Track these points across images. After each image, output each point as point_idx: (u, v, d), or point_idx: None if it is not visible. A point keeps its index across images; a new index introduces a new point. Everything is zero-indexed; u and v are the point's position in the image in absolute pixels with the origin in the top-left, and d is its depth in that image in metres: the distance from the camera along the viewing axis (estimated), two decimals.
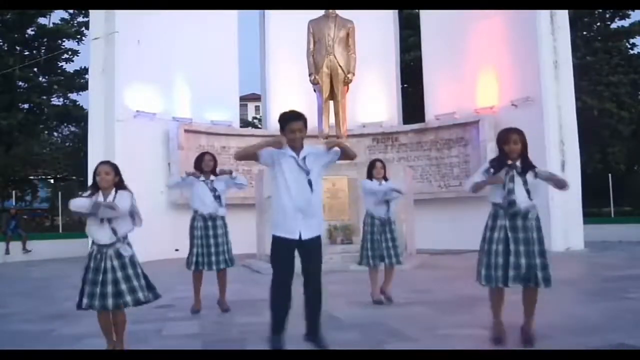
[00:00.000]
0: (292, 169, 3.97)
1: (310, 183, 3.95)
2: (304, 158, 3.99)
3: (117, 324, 4.09)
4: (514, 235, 4.02)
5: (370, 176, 6.32)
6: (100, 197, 4.01)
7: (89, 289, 3.98)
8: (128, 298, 3.96)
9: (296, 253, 4.01)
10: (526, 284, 4.01)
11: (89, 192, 4.07)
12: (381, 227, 6.25)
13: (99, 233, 3.98)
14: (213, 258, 5.90)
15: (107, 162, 4.12)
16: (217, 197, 5.96)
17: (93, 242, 4.04)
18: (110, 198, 3.99)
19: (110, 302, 3.93)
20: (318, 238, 4.05)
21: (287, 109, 4.18)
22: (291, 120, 3.98)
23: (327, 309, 5.71)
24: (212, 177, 6.03)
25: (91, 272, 3.99)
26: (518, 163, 4.15)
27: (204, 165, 6.03)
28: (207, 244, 5.90)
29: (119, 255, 3.99)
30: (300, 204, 3.93)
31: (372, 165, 6.36)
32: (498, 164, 4.19)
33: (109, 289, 3.94)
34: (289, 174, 3.96)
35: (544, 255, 4.03)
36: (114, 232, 3.96)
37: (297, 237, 3.94)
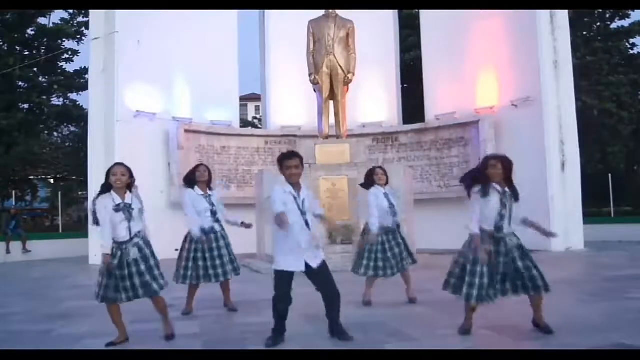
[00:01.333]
0: (294, 210, 4.32)
1: (307, 223, 4.35)
2: (303, 200, 4.37)
3: (159, 310, 4.59)
4: (497, 260, 4.37)
5: (372, 183, 6.23)
6: (116, 198, 4.32)
7: (114, 283, 4.30)
8: (140, 291, 4.36)
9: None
10: (518, 294, 4.42)
11: (99, 192, 4.39)
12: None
13: (117, 231, 4.30)
14: (211, 271, 5.86)
15: (123, 164, 4.47)
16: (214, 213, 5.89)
17: (113, 241, 4.32)
18: (127, 199, 4.34)
19: (140, 292, 4.34)
20: (324, 262, 4.47)
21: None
22: (288, 158, 4.40)
23: None
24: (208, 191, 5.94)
25: (116, 268, 4.30)
26: (507, 189, 4.45)
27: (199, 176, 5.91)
28: (204, 257, 5.87)
29: (139, 249, 4.35)
30: (301, 241, 4.30)
31: (373, 172, 6.29)
32: (484, 188, 4.44)
33: (134, 281, 4.32)
34: (292, 213, 4.28)
35: (529, 268, 4.35)
36: (129, 230, 4.32)
37: (303, 269, 4.35)
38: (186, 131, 14.96)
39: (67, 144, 26.20)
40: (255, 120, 34.67)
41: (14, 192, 22.23)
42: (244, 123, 29.59)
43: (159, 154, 14.70)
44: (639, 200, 20.32)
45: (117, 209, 4.27)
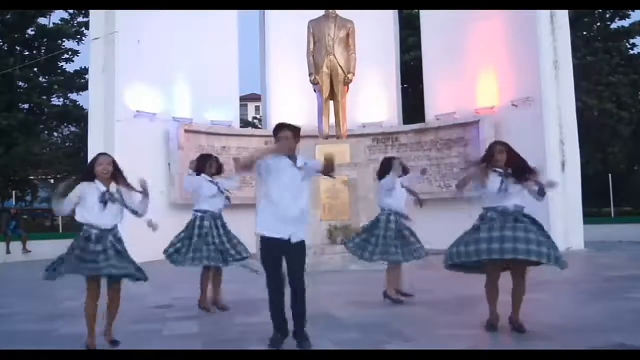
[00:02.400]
0: (286, 177, 4.23)
1: (299, 194, 4.26)
2: (300, 167, 4.27)
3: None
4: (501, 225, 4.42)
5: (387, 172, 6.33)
6: (100, 186, 4.32)
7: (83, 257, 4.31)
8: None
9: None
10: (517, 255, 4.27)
11: (73, 179, 4.48)
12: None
13: (102, 218, 4.30)
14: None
15: (108, 155, 4.51)
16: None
17: (92, 227, 4.29)
18: (111, 188, 4.34)
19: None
20: (302, 242, 4.30)
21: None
22: (277, 130, 4.30)
23: (327, 309, 5.74)
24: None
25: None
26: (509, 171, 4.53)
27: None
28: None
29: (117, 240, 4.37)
30: (289, 211, 4.22)
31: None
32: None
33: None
34: (283, 180, 4.23)
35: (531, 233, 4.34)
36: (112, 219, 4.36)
37: (286, 237, 4.20)
38: (186, 131, 14.96)
39: (67, 144, 26.19)
40: (255, 120, 34.64)
41: (14, 192, 22.23)
42: (244, 123, 29.56)
43: (159, 154, 14.68)
44: (639, 200, 20.33)
45: (102, 198, 4.26)
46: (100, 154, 4.47)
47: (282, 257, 4.21)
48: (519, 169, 4.41)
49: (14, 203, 22.20)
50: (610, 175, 17.44)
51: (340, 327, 5.05)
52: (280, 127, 4.32)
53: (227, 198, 6.19)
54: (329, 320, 5.31)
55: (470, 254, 4.31)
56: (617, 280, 7.79)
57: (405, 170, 6.46)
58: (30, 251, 15.55)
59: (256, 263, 10.51)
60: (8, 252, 15.35)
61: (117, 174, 4.40)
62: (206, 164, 6.17)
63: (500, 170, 4.44)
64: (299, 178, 4.25)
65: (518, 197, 4.42)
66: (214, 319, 5.69)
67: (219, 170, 6.24)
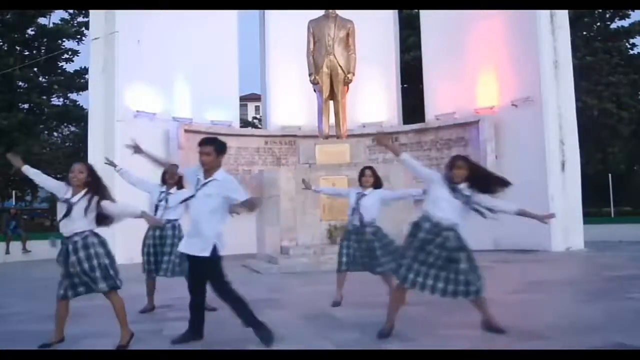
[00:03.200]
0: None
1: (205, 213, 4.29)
2: (203, 187, 4.30)
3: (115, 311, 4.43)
4: (429, 247, 4.41)
5: (360, 183, 6.21)
6: (68, 192, 4.30)
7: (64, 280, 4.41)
8: (81, 288, 4.39)
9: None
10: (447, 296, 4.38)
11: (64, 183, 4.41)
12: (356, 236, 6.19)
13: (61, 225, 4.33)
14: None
15: (83, 162, 4.51)
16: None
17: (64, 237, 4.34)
18: (77, 198, 4.26)
19: (81, 289, 4.38)
20: (200, 260, 4.33)
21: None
22: (199, 144, 4.36)
23: (327, 309, 5.74)
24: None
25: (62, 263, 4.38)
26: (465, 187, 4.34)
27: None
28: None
29: (75, 250, 4.26)
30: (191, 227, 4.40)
31: (361, 173, 6.25)
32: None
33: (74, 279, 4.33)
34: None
35: (458, 272, 4.32)
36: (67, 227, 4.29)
37: (186, 252, 4.47)
38: (186, 131, 14.94)
39: (67, 144, 26.20)
40: (255, 120, 34.65)
41: (14, 192, 22.24)
42: (244, 123, 29.57)
43: (159, 154, 14.51)
44: (639, 200, 20.34)
45: (61, 202, 4.27)
46: (75, 162, 4.44)
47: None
48: (481, 180, 4.27)
49: (14, 203, 22.23)
50: (610, 175, 17.45)
51: (340, 327, 5.04)
52: (202, 142, 4.35)
53: (156, 208, 6.15)
54: (329, 320, 5.31)
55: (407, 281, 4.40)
56: (617, 280, 7.78)
57: (377, 183, 6.16)
58: (30, 251, 15.57)
59: (255, 263, 10.52)
60: (8, 252, 15.36)
61: (91, 182, 4.30)
62: (165, 177, 6.26)
63: (458, 185, 4.29)
64: (201, 194, 4.28)
65: (457, 214, 4.29)
66: (214, 319, 5.69)
67: (175, 181, 6.27)
